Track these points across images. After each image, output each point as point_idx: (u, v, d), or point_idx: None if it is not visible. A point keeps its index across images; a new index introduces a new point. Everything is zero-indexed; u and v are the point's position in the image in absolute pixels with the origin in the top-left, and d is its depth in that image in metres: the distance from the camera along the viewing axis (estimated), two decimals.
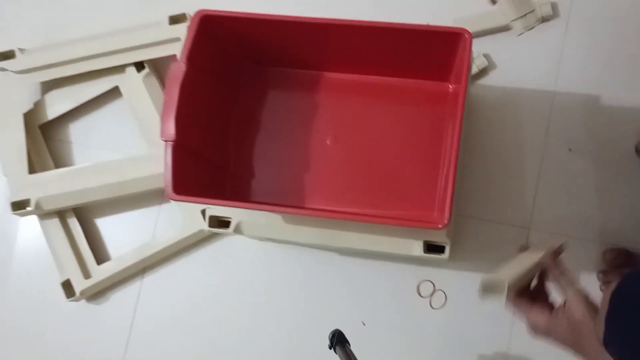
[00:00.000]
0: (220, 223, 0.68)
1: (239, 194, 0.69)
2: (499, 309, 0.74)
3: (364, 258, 0.78)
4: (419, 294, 0.76)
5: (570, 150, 0.76)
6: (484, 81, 0.79)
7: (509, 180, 0.77)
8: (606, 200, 0.75)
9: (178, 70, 0.58)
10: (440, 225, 0.54)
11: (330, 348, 0.58)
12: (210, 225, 0.68)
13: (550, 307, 0.50)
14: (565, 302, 0.48)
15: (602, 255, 0.73)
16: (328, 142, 0.68)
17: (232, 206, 0.61)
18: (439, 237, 0.63)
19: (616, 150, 0.75)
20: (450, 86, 0.67)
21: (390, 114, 0.68)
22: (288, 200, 0.68)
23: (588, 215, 0.75)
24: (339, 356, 0.57)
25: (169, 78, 0.58)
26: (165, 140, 0.57)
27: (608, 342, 0.41)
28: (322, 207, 0.67)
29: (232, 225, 0.67)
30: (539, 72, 0.78)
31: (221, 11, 0.58)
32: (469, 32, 0.55)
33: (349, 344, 0.58)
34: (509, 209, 0.76)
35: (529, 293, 0.52)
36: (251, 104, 0.71)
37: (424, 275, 0.76)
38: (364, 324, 0.77)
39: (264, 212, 0.64)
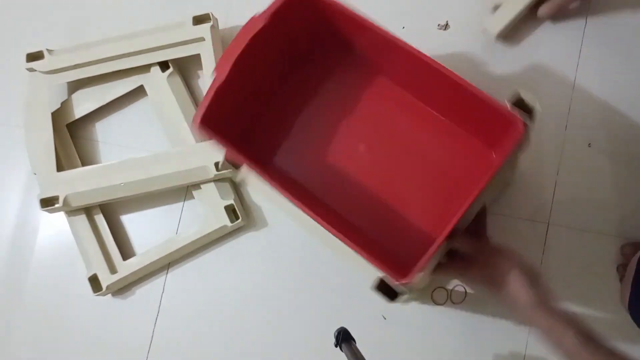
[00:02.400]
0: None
1: (262, 151, 0.71)
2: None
3: None
4: (434, 301, 0.77)
5: (589, 146, 0.77)
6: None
7: (527, 175, 0.78)
8: (625, 195, 0.75)
9: (253, 25, 0.60)
10: (400, 280, 0.53)
11: (336, 346, 0.59)
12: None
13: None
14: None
15: (620, 249, 0.74)
16: (361, 148, 0.69)
17: (248, 164, 0.61)
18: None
19: (637, 146, 0.76)
20: (494, 155, 0.67)
21: (428, 147, 0.69)
22: (303, 178, 0.70)
23: (607, 210, 0.75)
24: (345, 354, 0.58)
25: (243, 28, 0.60)
26: (215, 76, 0.60)
27: (633, 304, 0.43)
28: (330, 203, 0.68)
29: (240, 175, 0.68)
30: (558, 65, 0.79)
31: None
32: (523, 123, 0.54)
33: (355, 341, 0.59)
34: (528, 204, 0.77)
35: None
36: (305, 83, 0.72)
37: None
38: (385, 318, 0.78)
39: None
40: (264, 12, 0.60)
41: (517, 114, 0.55)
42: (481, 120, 0.62)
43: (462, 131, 0.68)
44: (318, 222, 0.57)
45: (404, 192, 0.68)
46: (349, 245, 0.57)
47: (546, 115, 0.78)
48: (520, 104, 0.56)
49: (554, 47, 0.79)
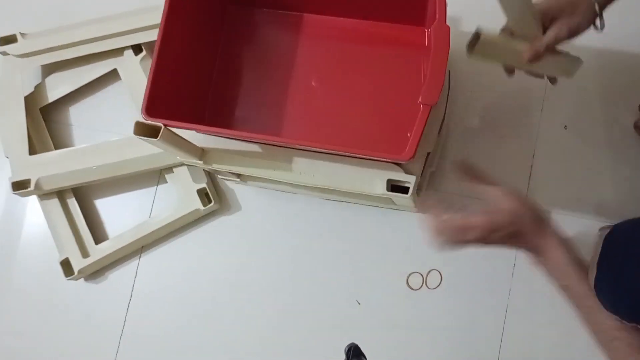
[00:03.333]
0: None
1: (218, 122, 0.71)
2: (496, 283, 0.74)
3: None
4: (409, 287, 0.76)
5: (565, 128, 0.76)
6: None
7: (502, 157, 0.77)
8: (602, 178, 0.74)
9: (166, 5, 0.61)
10: (403, 158, 0.54)
11: None
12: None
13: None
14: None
15: (598, 232, 0.73)
16: (313, 83, 0.70)
17: (201, 130, 0.62)
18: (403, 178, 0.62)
19: (614, 129, 0.75)
20: (426, 30, 0.68)
21: (370, 57, 0.70)
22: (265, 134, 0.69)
23: (583, 192, 0.74)
24: None
25: (163, 11, 0.61)
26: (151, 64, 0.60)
27: (597, 285, 0.42)
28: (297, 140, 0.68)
29: (203, 157, 0.68)
30: None
31: None
32: None
33: (365, 357, 0.57)
34: (504, 185, 0.76)
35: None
36: (235, 44, 0.73)
37: (415, 262, 0.76)
38: (359, 303, 0.77)
39: (236, 142, 0.66)
40: None
41: None
42: (403, 1, 0.64)
43: (393, 25, 0.69)
44: (300, 145, 0.60)
45: (368, 104, 0.69)
46: (338, 150, 0.58)
47: (522, 98, 0.78)
48: None
49: None
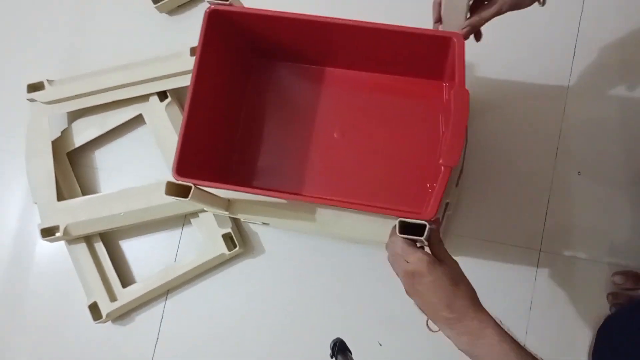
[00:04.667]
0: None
1: (243, 179, 0.73)
2: (514, 322, 0.76)
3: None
4: (429, 328, 0.78)
5: (579, 174, 0.79)
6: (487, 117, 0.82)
7: (518, 202, 0.79)
8: (615, 223, 0.77)
9: (195, 67, 0.63)
10: (425, 217, 0.55)
11: (332, 357, 0.59)
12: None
13: (429, 254, 0.52)
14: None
15: (611, 277, 0.76)
16: (335, 135, 0.72)
17: (232, 189, 0.63)
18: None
19: (627, 174, 0.77)
20: (444, 84, 0.71)
21: (390, 109, 0.72)
22: (290, 187, 0.72)
23: (597, 238, 0.77)
24: None
25: (192, 73, 0.63)
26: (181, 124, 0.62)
27: None
28: (321, 196, 0.71)
29: (230, 208, 0.71)
30: (548, 98, 0.81)
31: (228, 6, 0.62)
32: (459, 36, 0.58)
33: (351, 352, 0.59)
34: (519, 231, 0.79)
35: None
36: (260, 97, 0.75)
37: None
38: (380, 345, 0.79)
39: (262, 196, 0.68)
40: (197, 47, 0.63)
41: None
42: (423, 56, 0.65)
43: (413, 80, 0.72)
44: (321, 202, 0.63)
45: (388, 155, 0.71)
46: (357, 208, 0.60)
47: (536, 144, 0.80)
48: None
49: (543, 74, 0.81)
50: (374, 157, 0.71)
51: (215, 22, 0.64)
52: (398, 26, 0.60)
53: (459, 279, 0.52)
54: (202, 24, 0.63)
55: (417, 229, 0.56)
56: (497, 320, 0.50)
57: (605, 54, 0.80)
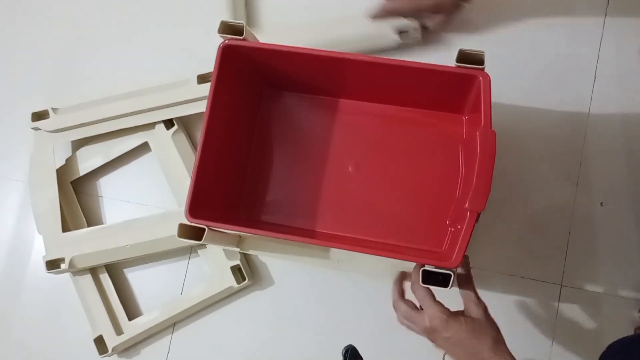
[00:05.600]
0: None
1: (253, 214, 0.71)
2: (535, 354, 0.73)
3: None
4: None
5: (602, 205, 0.76)
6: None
7: (538, 234, 0.76)
8: None
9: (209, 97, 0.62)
10: (451, 265, 0.54)
11: None
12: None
13: (444, 309, 0.53)
14: (465, 308, 0.54)
15: (638, 313, 0.72)
16: (350, 169, 0.70)
17: (244, 232, 0.63)
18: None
19: None
20: (464, 117, 0.68)
21: (407, 143, 0.70)
22: (302, 223, 0.70)
23: (622, 272, 0.74)
24: None
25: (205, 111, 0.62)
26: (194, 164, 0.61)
27: None
28: (334, 233, 0.69)
29: (240, 244, 0.70)
30: (567, 129, 0.78)
31: (241, 41, 0.61)
32: (485, 75, 0.56)
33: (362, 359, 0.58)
34: (540, 265, 0.76)
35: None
36: (271, 128, 0.73)
37: None
38: None
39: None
40: (212, 80, 0.62)
41: (474, 69, 0.56)
42: (442, 92, 0.63)
43: (431, 112, 0.69)
44: (332, 246, 0.60)
45: (404, 191, 0.69)
46: (382, 255, 0.58)
47: (556, 174, 0.77)
48: (469, 59, 0.56)
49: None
50: (389, 193, 0.69)
51: (229, 56, 0.62)
52: (417, 63, 0.58)
53: (479, 330, 0.51)
54: (216, 59, 0.61)
55: (442, 279, 0.54)
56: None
57: (627, 80, 0.77)
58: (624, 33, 0.78)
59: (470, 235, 0.55)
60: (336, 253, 0.67)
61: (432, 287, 0.55)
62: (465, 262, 0.57)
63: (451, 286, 0.61)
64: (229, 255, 0.80)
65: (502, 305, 0.75)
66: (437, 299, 0.55)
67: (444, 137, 0.69)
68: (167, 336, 0.83)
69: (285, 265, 0.82)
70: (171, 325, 0.82)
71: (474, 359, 0.50)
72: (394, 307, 0.58)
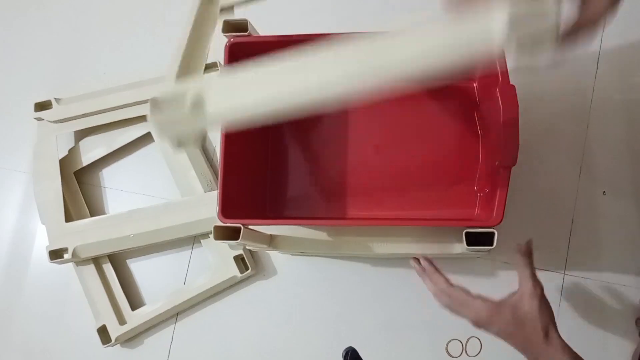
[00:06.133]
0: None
1: (278, 211, 0.71)
2: None
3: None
4: (449, 354, 0.75)
5: (604, 193, 0.76)
6: None
7: (541, 223, 0.76)
8: None
9: None
10: (493, 222, 0.54)
11: None
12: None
13: (487, 302, 0.52)
14: (516, 294, 0.51)
15: (639, 302, 0.72)
16: (370, 152, 0.71)
17: (275, 224, 0.64)
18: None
19: None
20: (475, 85, 0.69)
21: (423, 120, 0.70)
22: (331, 212, 0.70)
23: (625, 260, 0.74)
24: None
25: None
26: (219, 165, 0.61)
27: None
28: (365, 214, 0.69)
29: (272, 243, 0.68)
30: (569, 117, 0.78)
31: (246, 37, 0.62)
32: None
33: None
34: (543, 253, 0.76)
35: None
36: (286, 124, 0.72)
37: (454, 329, 0.76)
38: None
39: (303, 227, 0.66)
40: None
41: None
42: None
43: (444, 85, 0.69)
44: (375, 224, 0.63)
45: (428, 165, 0.69)
46: (420, 224, 0.59)
47: (559, 164, 0.77)
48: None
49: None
50: (413, 170, 0.69)
51: (237, 53, 0.62)
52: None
53: (523, 318, 0.50)
54: (224, 57, 0.62)
55: (485, 238, 0.54)
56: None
57: (628, 69, 0.77)
58: (628, 19, 0.78)
59: (507, 192, 0.55)
60: (369, 239, 0.66)
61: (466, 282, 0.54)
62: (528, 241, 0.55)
63: (495, 244, 0.58)
64: (231, 245, 0.80)
65: (505, 294, 0.75)
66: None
67: (458, 106, 0.69)
68: (170, 326, 0.83)
69: (288, 254, 0.82)
70: (174, 315, 0.82)
71: (525, 351, 0.49)
72: (442, 295, 0.54)
